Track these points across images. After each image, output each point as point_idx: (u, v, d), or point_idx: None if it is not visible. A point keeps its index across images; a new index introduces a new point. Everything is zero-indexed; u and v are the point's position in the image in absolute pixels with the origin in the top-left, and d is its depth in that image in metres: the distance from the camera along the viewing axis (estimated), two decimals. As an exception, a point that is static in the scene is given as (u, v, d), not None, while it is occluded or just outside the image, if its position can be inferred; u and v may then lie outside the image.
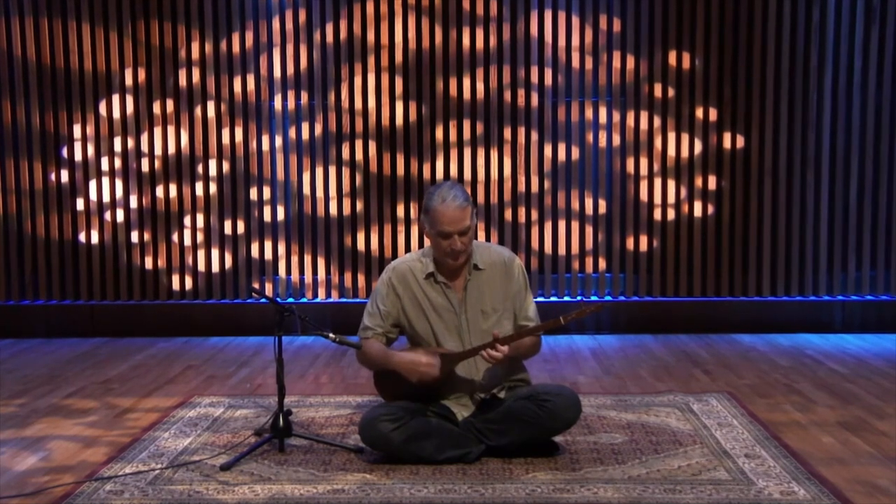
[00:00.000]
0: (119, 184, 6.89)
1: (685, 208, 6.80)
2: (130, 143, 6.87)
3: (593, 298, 6.79)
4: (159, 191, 6.89)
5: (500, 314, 4.03)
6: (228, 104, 6.85)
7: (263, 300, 4.48)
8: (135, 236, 6.90)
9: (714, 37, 6.71)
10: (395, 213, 6.85)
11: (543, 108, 6.79)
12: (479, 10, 6.74)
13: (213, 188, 6.89)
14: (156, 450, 4.17)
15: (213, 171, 6.87)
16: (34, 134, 6.86)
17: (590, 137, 6.81)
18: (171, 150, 6.87)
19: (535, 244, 6.83)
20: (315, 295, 6.93)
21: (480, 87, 6.78)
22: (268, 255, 6.91)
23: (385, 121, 6.82)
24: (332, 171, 6.87)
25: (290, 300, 6.86)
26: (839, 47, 6.68)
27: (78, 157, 6.88)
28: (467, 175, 6.80)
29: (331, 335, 3.93)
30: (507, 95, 6.78)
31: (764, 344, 6.36)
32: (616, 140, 6.81)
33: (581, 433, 4.28)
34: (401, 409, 3.93)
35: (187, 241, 6.91)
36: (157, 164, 6.88)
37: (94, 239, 6.91)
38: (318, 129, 6.85)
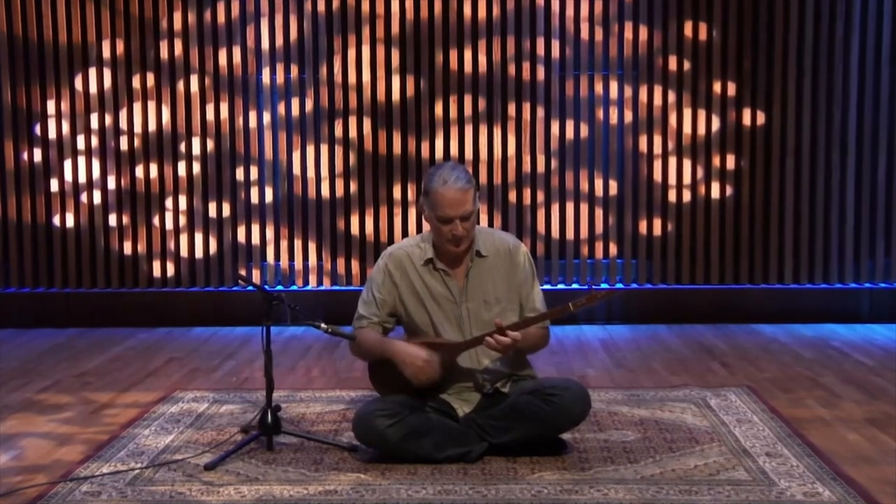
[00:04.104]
0: (96, 163, 6.87)
1: (702, 190, 6.78)
2: (108, 119, 6.84)
3: (604, 286, 6.78)
4: (139, 171, 6.87)
5: (504, 305, 4.02)
6: (213, 78, 6.83)
7: (250, 288, 4.47)
8: (113, 220, 6.88)
9: (733, 6, 6.68)
10: (391, 195, 6.83)
11: (550, 82, 6.76)
12: (482, -24, 6.72)
13: (196, 168, 6.86)
14: (135, 448, 4.16)
15: (196, 150, 6.85)
16: (5, 110, 6.83)
17: (600, 114, 6.79)
18: (152, 127, 6.85)
19: (541, 228, 6.82)
20: (306, 282, 6.92)
21: (483, 59, 6.75)
22: (255, 239, 6.90)
23: (381, 96, 6.79)
24: (325, 149, 6.85)
25: (279, 288, 6.85)
26: (867, 16, 6.65)
27: (52, 134, 6.85)
28: (469, 154, 6.78)
29: (322, 325, 3.93)
30: (512, 69, 6.75)
31: (786, 335, 6.35)
32: (628, 116, 6.78)
33: (590, 430, 4.27)
34: (398, 404, 3.92)
35: (169, 225, 6.89)
36: (136, 142, 6.86)
37: (70, 222, 6.89)
38: (310, 104, 6.83)
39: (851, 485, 3.61)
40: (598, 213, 6.82)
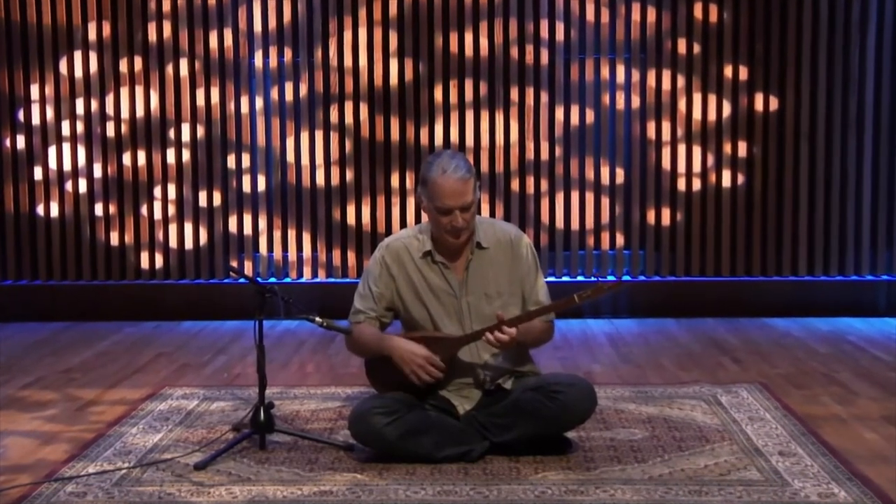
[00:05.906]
0: (81, 151, 6.86)
1: (712, 178, 6.77)
2: (94, 105, 6.83)
3: (610, 278, 6.77)
4: (126, 158, 6.86)
5: (506, 298, 4.01)
6: (203, 62, 6.81)
7: (242, 280, 4.48)
8: (99, 209, 6.87)
9: (745, -14, 6.68)
10: (389, 184, 6.82)
11: (554, 66, 6.75)
12: (483, -44, 6.70)
13: (186, 155, 6.85)
14: (122, 447, 4.16)
15: (186, 137, 6.84)
16: (-14, 95, 6.84)
17: (606, 99, 6.78)
18: (140, 112, 6.83)
19: (545, 218, 6.81)
20: (300, 274, 6.92)
21: (484, 42, 6.74)
22: (247, 230, 6.89)
23: (378, 80, 6.78)
24: (319, 136, 6.84)
25: (273, 280, 6.85)
26: (885, -3, 6.65)
27: (35, 120, 6.85)
28: (469, 141, 6.77)
29: (317, 319, 3.93)
30: (514, 52, 6.74)
31: (800, 329, 6.35)
32: (635, 102, 6.77)
33: (596, 428, 4.27)
34: (396, 401, 3.92)
35: (157, 215, 6.88)
36: (123, 128, 6.85)
37: (54, 212, 6.88)
38: (304, 89, 6.82)
39: (868, 485, 3.60)
40: (605, 202, 6.81)
